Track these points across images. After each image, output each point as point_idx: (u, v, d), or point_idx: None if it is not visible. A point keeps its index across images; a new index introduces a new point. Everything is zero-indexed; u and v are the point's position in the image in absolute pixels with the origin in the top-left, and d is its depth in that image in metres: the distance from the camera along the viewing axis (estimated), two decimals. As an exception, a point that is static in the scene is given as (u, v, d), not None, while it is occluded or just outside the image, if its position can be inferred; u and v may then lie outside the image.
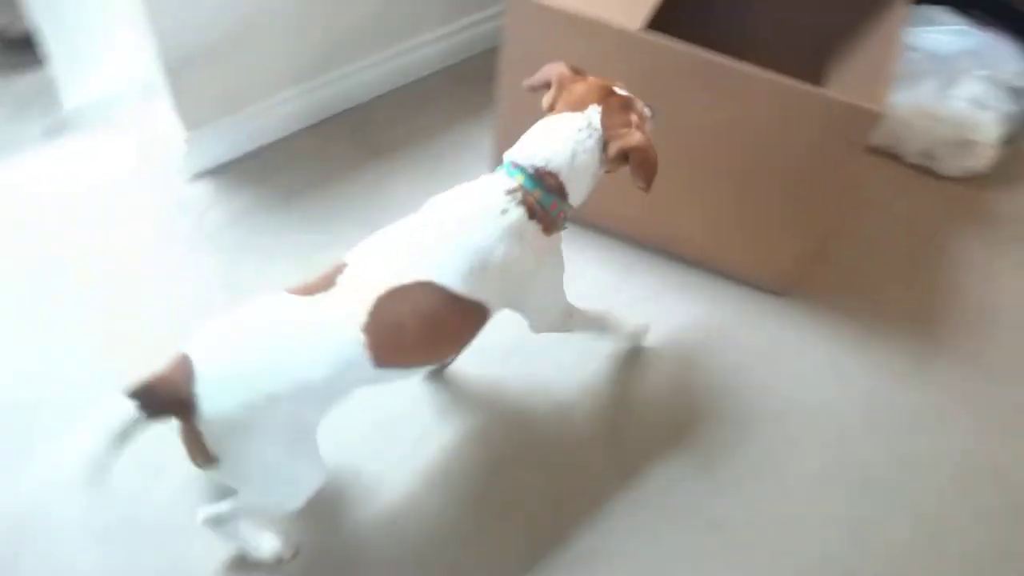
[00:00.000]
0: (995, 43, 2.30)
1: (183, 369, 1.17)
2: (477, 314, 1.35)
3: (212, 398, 1.16)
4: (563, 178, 1.37)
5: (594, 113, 1.39)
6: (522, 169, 1.36)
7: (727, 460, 1.73)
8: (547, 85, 1.46)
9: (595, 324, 1.72)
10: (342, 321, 1.24)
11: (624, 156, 1.38)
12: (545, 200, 1.36)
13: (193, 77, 1.94)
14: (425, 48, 2.34)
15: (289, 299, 1.25)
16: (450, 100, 2.32)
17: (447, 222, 1.33)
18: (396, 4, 2.20)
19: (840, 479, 1.73)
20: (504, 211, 1.33)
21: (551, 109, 1.44)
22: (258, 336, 1.22)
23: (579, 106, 1.39)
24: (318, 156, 2.16)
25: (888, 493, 1.72)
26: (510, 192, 1.34)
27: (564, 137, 1.37)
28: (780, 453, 1.75)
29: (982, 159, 2.23)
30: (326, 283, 1.27)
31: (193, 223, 1.99)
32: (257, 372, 1.19)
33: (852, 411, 1.84)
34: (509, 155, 1.39)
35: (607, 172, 1.43)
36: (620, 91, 1.44)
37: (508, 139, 1.45)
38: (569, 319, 1.62)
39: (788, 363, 1.90)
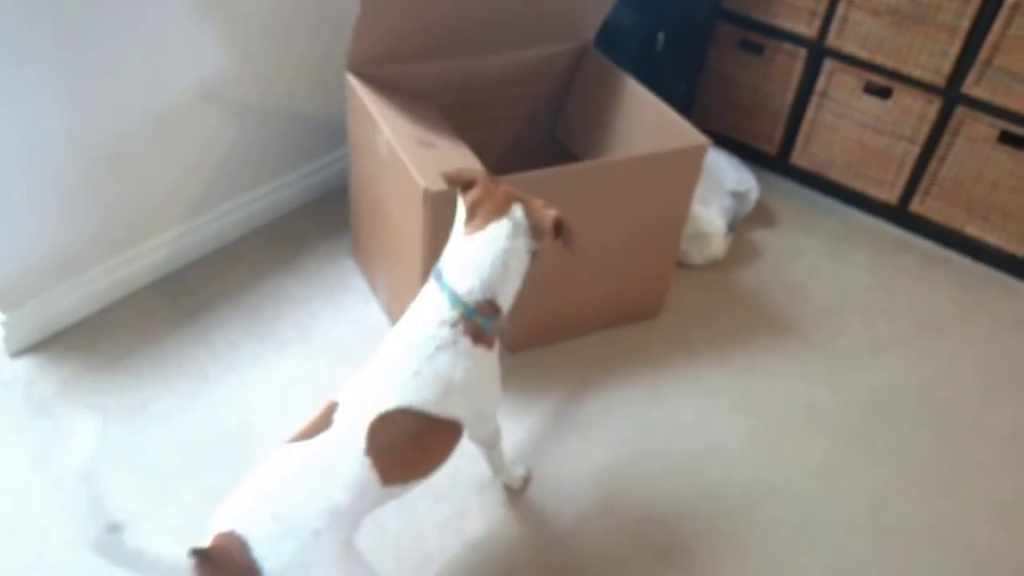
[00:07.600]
0: (717, 156, 2.81)
1: (231, 542, 1.25)
2: (453, 429, 1.55)
3: (270, 555, 1.24)
4: (499, 300, 1.55)
5: (518, 210, 1.56)
6: (462, 303, 1.52)
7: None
8: (470, 184, 1.60)
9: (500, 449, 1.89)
10: (348, 451, 1.39)
11: (557, 228, 1.57)
12: (484, 324, 1.54)
13: (5, 261, 2.07)
14: (228, 216, 2.58)
15: (297, 446, 1.40)
16: (256, 258, 2.55)
17: (410, 358, 1.50)
18: (199, 176, 2.44)
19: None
20: (455, 342, 1.51)
21: (473, 211, 1.58)
22: (283, 485, 1.33)
23: (501, 209, 1.56)
24: (139, 320, 2.32)
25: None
26: (454, 325, 1.52)
27: (495, 254, 1.53)
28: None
29: (717, 248, 2.69)
30: (324, 422, 1.43)
31: (21, 397, 2.07)
32: (296, 516, 1.29)
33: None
34: (448, 278, 1.54)
35: (534, 254, 1.60)
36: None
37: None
38: (496, 435, 1.83)
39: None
